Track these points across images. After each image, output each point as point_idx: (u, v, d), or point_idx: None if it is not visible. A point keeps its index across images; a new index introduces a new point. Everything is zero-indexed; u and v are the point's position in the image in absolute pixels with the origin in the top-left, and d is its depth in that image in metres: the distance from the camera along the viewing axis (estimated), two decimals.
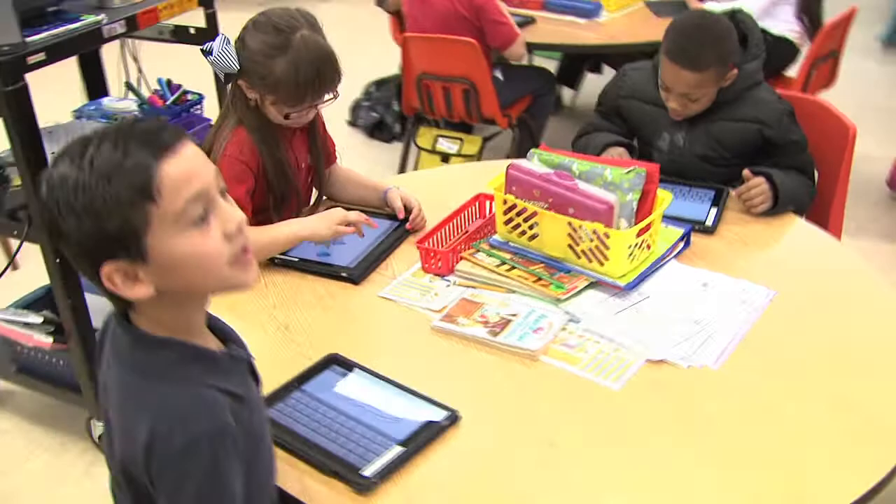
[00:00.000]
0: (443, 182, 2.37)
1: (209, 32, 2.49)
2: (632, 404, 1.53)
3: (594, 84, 4.75)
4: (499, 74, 3.32)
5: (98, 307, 2.43)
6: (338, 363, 1.60)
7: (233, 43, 1.84)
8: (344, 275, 1.86)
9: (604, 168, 1.83)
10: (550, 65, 4.46)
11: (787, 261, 1.96)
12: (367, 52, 5.01)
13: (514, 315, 1.73)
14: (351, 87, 4.56)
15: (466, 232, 2.01)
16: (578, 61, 4.39)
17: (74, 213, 1.01)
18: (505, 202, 1.87)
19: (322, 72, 1.83)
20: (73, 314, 2.24)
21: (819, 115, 2.30)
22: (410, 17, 3.33)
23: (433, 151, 3.48)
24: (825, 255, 1.98)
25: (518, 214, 1.86)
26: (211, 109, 2.64)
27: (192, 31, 2.51)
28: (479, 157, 3.43)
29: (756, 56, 2.16)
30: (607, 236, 1.75)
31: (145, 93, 2.64)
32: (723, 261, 1.93)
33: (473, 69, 3.20)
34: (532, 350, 1.63)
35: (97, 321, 2.40)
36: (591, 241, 1.77)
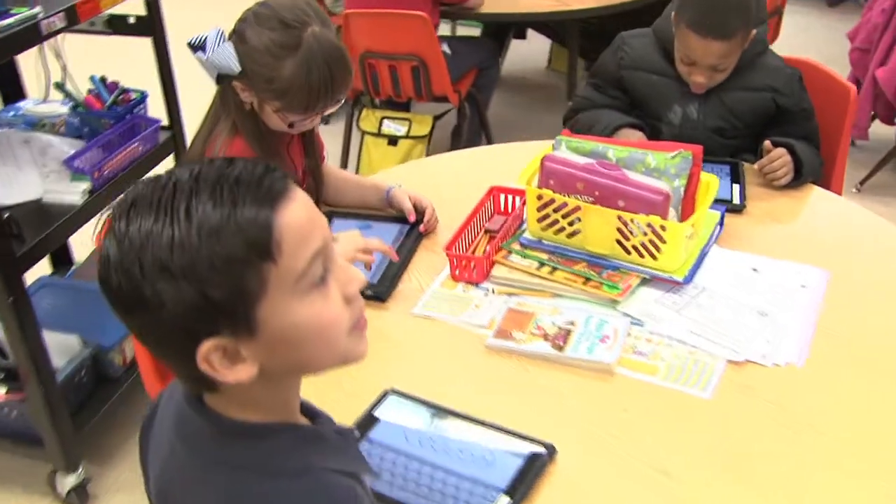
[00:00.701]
0: (434, 174, 2.17)
1: (152, 21, 2.19)
2: (729, 414, 1.40)
3: (517, 51, 4.61)
4: (446, 48, 3.12)
5: (59, 346, 2.14)
6: (397, 399, 1.41)
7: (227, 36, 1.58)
8: (368, 293, 1.65)
9: (644, 153, 1.68)
10: (471, 31, 4.29)
11: (825, 235, 1.87)
12: None
13: (571, 324, 1.57)
14: None
15: (488, 231, 1.83)
16: (503, 28, 4.22)
17: (169, 278, 0.79)
18: (540, 198, 1.70)
19: (336, 75, 1.59)
20: (31, 358, 1.94)
21: (815, 78, 2.22)
22: None
23: (379, 134, 3.26)
24: (859, 225, 1.91)
25: (556, 210, 1.69)
26: (156, 108, 2.34)
27: (131, 20, 2.20)
28: (429, 137, 3.24)
29: (762, 19, 2.05)
30: (664, 229, 1.61)
31: (75, 93, 2.31)
32: (760, 241, 1.83)
33: (423, 45, 2.99)
34: (607, 363, 1.49)
35: (58, 359, 2.11)
36: (645, 234, 1.63)
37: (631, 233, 1.64)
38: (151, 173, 0.89)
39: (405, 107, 3.45)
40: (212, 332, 0.82)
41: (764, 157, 1.99)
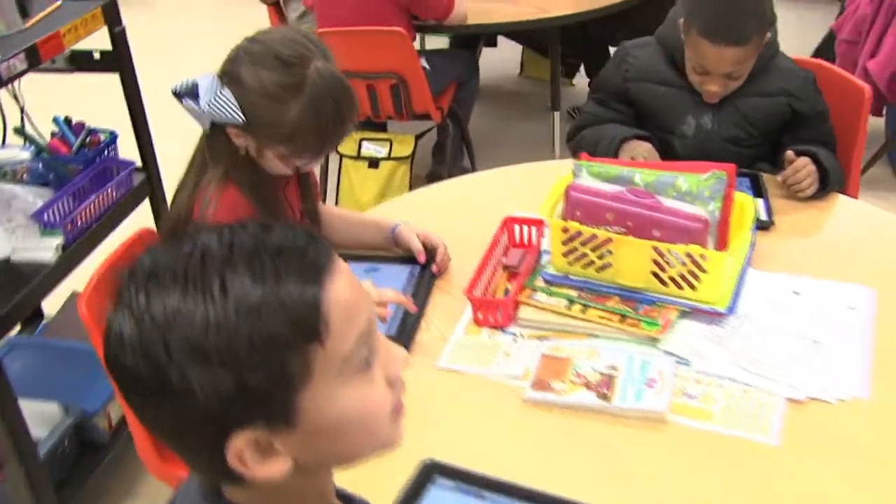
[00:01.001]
0: (434, 205, 2.02)
1: (119, 56, 2.01)
2: (801, 459, 1.28)
3: (488, 59, 4.48)
4: (424, 63, 2.98)
5: (37, 415, 1.96)
6: (441, 474, 1.26)
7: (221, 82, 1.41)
8: None
9: (674, 176, 1.56)
10: (440, 43, 4.15)
11: (862, 248, 1.76)
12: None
13: (613, 368, 1.44)
14: None
15: (507, 268, 1.69)
16: (474, 37, 4.09)
17: (202, 362, 0.68)
18: (566, 230, 1.56)
19: (344, 111, 1.45)
20: (10, 434, 1.76)
21: (825, 79, 2.11)
22: (319, 9, 2.91)
23: (358, 157, 3.10)
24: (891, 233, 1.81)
25: (584, 243, 1.56)
26: (127, 149, 2.16)
27: (96, 56, 2.03)
28: (412, 157, 3.09)
29: (773, 19, 1.94)
30: (704, 258, 1.49)
31: (37, 137, 2.12)
32: (794, 259, 1.71)
33: (402, 61, 2.85)
34: (659, 412, 1.36)
35: (37, 430, 1.93)
36: (684, 265, 1.50)
37: (668, 263, 1.51)
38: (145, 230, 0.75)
39: (382, 127, 3.30)
40: (244, 424, 0.71)
41: (786, 167, 1.87)
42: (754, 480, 1.26)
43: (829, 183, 1.87)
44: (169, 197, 2.24)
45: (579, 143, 2.09)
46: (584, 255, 1.57)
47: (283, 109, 1.41)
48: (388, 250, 1.79)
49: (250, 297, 0.69)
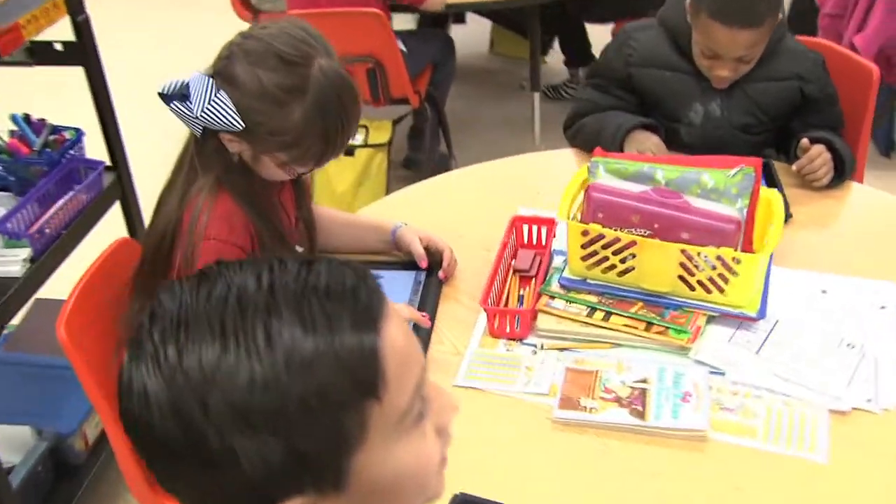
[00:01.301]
0: (429, 203, 1.90)
1: (83, 47, 1.85)
2: (853, 478, 1.21)
3: (455, 35, 4.34)
4: (401, 45, 2.84)
5: (9, 440, 1.82)
6: None
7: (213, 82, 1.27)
8: None
9: (699, 172, 1.46)
10: (407, 22, 4.00)
11: (886, 241, 1.69)
12: (196, 34, 4.32)
13: (643, 382, 1.35)
14: (187, 70, 3.87)
15: (517, 272, 1.59)
16: (442, 15, 3.94)
17: (247, 427, 0.60)
18: (586, 233, 1.46)
19: (350, 112, 1.33)
20: None
21: (831, 60, 2.03)
22: None
23: None
24: None
25: (605, 246, 1.46)
26: (94, 147, 2.00)
27: (58, 47, 1.86)
28: (390, 144, 2.95)
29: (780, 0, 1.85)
30: (737, 261, 1.40)
31: None
32: (816, 254, 1.64)
33: (379, 44, 2.70)
34: (701, 430, 1.27)
35: (9, 456, 1.78)
36: (714, 268, 1.41)
37: (696, 267, 1.42)
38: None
39: None
40: (291, 493, 0.63)
41: (800, 155, 1.79)
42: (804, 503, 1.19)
43: (845, 171, 1.79)
44: (142, 199, 2.12)
45: (578, 132, 1.99)
46: (605, 258, 1.47)
47: (285, 114, 1.28)
48: (387, 253, 1.67)
49: (301, 349, 0.60)
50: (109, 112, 1.94)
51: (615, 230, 1.44)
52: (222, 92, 1.27)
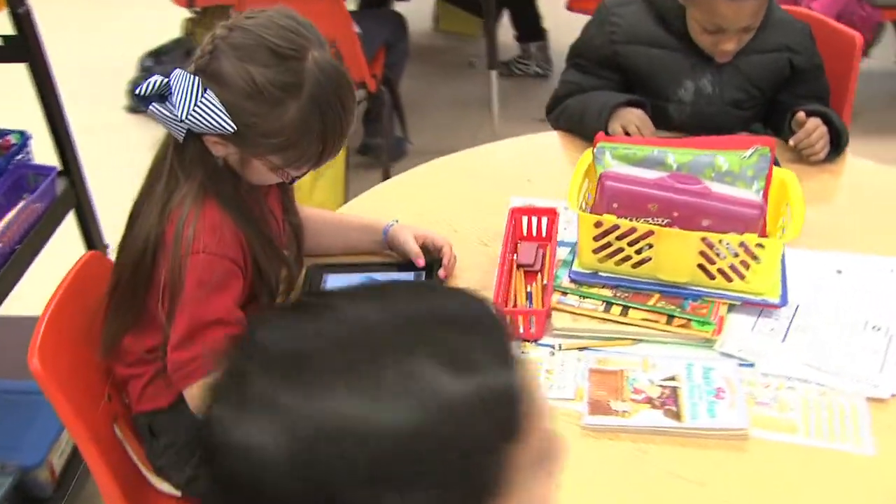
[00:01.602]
0: (408, 196, 1.79)
1: (25, 42, 1.67)
2: None
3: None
4: (356, 28, 2.71)
5: None
6: None
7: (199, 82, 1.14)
8: None
9: (712, 155, 1.40)
10: (349, 2, 3.84)
11: (886, 213, 1.65)
12: (121, 14, 4.09)
13: (672, 379, 1.28)
14: (117, 63, 3.67)
15: (521, 266, 1.50)
16: None
17: (391, 482, 0.53)
18: (598, 225, 1.38)
19: (347, 106, 1.22)
20: None
21: (814, 29, 1.98)
22: None
23: None
24: None
25: (620, 237, 1.38)
26: (43, 152, 1.83)
27: None
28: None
29: None
30: (761, 247, 1.33)
31: None
32: (822, 232, 1.57)
33: (335, 27, 2.56)
34: (742, 429, 1.20)
35: None
36: (736, 256, 1.34)
37: (717, 255, 1.35)
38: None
39: None
40: None
41: (796, 129, 1.74)
42: (856, 499, 1.13)
43: (841, 144, 1.75)
44: (99, 206, 1.96)
45: (561, 115, 1.90)
46: (620, 249, 1.39)
47: (280, 113, 1.16)
48: (379, 253, 1.56)
49: (444, 392, 0.54)
50: (58, 111, 1.77)
51: (631, 220, 1.36)
52: (209, 91, 1.14)
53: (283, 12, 1.22)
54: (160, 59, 3.70)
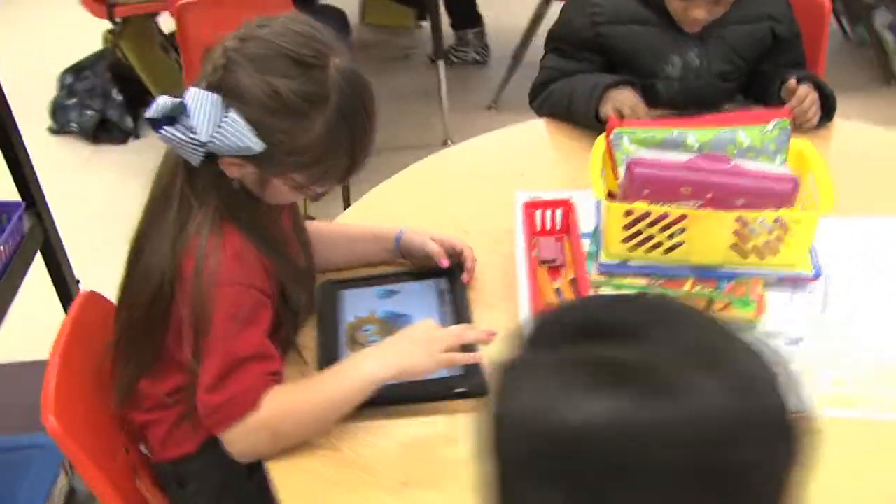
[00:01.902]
0: (406, 199, 1.71)
1: None
2: None
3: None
4: None
5: None
6: None
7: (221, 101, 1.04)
8: (462, 389, 1.22)
9: (733, 131, 1.37)
10: None
11: (885, 174, 1.65)
12: (33, 27, 3.86)
13: None
14: (37, 83, 3.46)
15: (543, 263, 1.45)
16: None
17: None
18: (628, 213, 1.33)
19: (373, 117, 1.14)
20: None
21: None
22: None
23: None
24: None
25: (651, 224, 1.33)
26: None
27: None
28: None
29: None
30: (798, 222, 1.31)
31: None
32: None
33: None
34: (807, 410, 1.17)
35: None
36: (771, 232, 1.32)
37: (752, 232, 1.32)
38: None
39: None
40: None
41: (787, 98, 1.73)
42: None
43: (831, 110, 1.75)
44: (69, 243, 1.80)
45: (545, 101, 1.85)
46: (650, 237, 1.35)
47: (307, 127, 1.07)
48: (391, 263, 1.48)
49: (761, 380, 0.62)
50: (17, 137, 1.62)
51: (663, 206, 1.32)
52: (231, 109, 1.05)
53: (297, 18, 1.13)
54: (81, 74, 3.50)
